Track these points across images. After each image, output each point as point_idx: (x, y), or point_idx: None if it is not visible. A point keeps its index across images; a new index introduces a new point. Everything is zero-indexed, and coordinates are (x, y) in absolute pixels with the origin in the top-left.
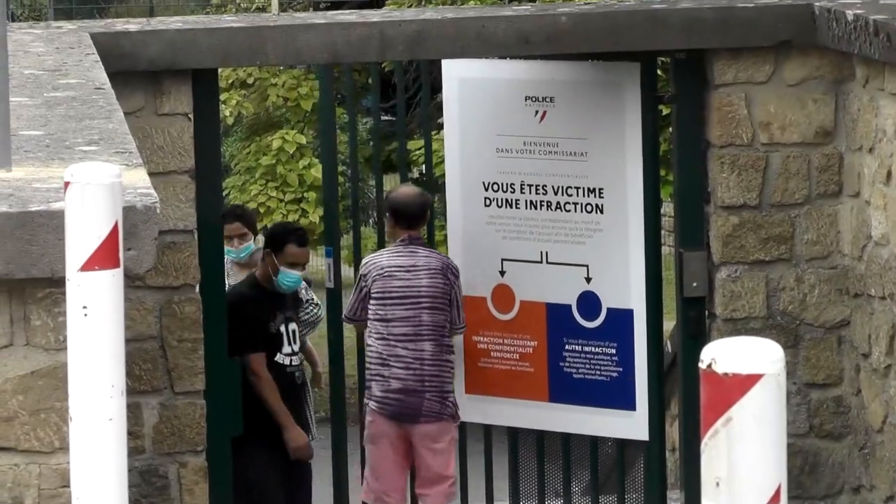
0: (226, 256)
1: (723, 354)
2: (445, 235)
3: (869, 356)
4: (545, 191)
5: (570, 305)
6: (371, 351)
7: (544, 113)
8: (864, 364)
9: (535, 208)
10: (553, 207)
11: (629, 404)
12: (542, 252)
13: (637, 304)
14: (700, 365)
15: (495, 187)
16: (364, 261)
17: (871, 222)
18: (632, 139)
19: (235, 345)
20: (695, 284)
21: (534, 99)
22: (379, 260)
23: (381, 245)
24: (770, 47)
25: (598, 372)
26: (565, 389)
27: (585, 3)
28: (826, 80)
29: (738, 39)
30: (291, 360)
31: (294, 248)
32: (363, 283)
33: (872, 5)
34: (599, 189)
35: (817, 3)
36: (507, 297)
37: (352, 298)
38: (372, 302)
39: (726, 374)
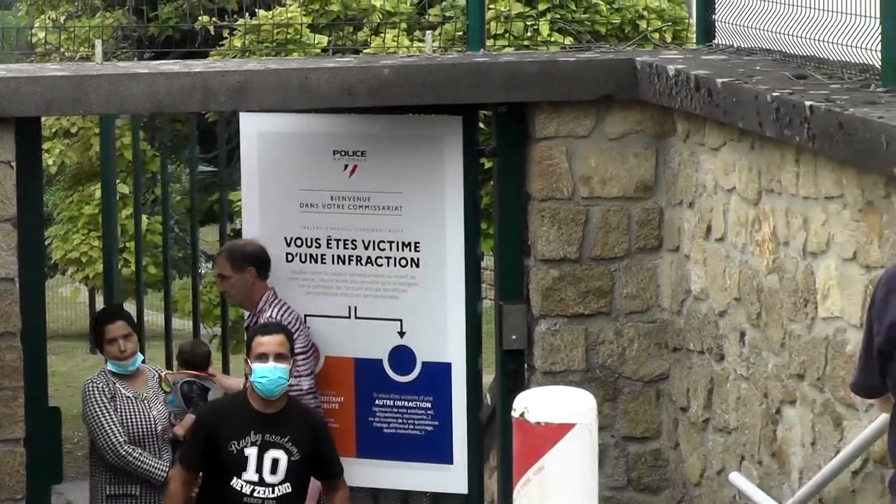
0: (107, 367)
1: (535, 403)
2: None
3: (687, 410)
4: (354, 245)
5: (380, 360)
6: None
7: (355, 167)
8: (682, 418)
9: (343, 263)
10: (363, 262)
11: (446, 458)
12: (350, 307)
13: (455, 357)
14: (513, 414)
15: (298, 242)
16: (292, 316)
17: (690, 277)
18: (452, 192)
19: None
20: (514, 337)
21: (343, 153)
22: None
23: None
24: (592, 101)
25: (411, 426)
26: (374, 444)
27: (409, 56)
28: (647, 135)
29: (560, 93)
30: (255, 491)
31: (260, 338)
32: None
33: (694, 60)
34: (415, 243)
35: (639, 58)
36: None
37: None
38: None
39: (538, 423)
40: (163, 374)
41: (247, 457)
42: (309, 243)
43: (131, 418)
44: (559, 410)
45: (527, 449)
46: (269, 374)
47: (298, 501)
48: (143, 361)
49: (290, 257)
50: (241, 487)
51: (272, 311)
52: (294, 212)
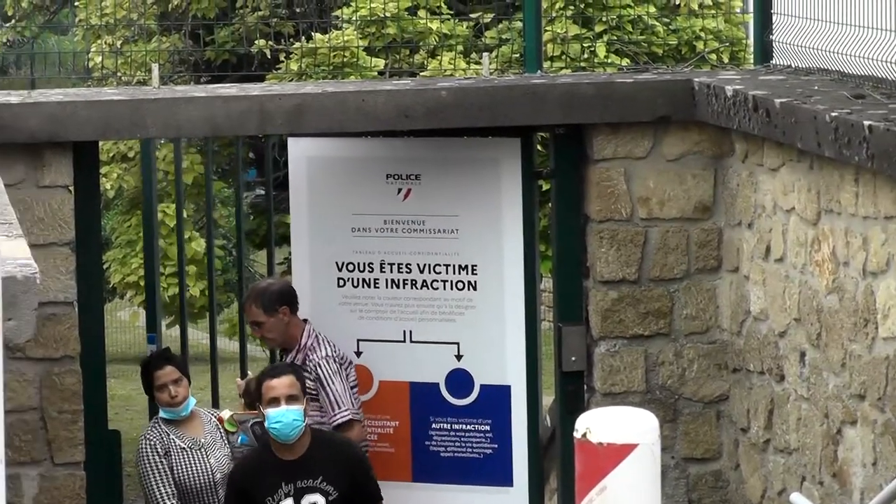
0: (159, 415)
1: (597, 424)
2: None
3: (748, 430)
4: (409, 269)
5: (437, 384)
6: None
7: (409, 190)
8: (742, 438)
9: (398, 287)
10: (419, 286)
11: (506, 480)
12: (405, 331)
13: (515, 379)
14: (575, 434)
15: (350, 267)
16: (333, 351)
17: (749, 297)
18: (510, 214)
19: None
20: (573, 359)
21: (396, 177)
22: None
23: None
24: (649, 122)
25: (470, 449)
26: (432, 469)
27: (466, 78)
28: (705, 156)
29: (618, 114)
30: None
31: (269, 381)
32: (348, 370)
33: (752, 81)
34: (472, 266)
35: (697, 79)
36: (365, 378)
37: (347, 389)
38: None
39: (601, 444)
40: (223, 416)
41: None
42: (361, 268)
43: (187, 470)
44: (622, 431)
45: (589, 469)
46: (282, 417)
47: None
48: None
49: (341, 282)
50: None
51: (324, 345)
52: (346, 236)
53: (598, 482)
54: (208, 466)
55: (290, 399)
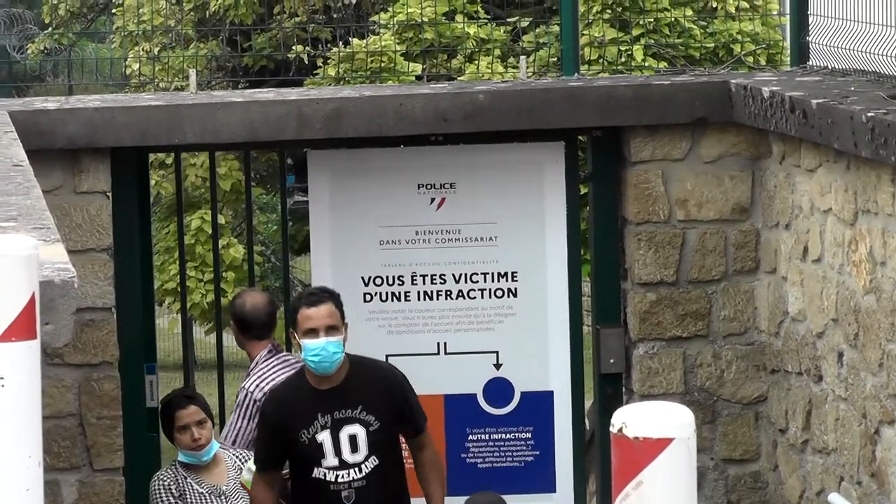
0: (178, 458)
1: (633, 418)
2: None
3: (786, 431)
4: (443, 280)
5: (474, 395)
6: None
7: (443, 200)
8: (781, 440)
9: (431, 298)
10: (454, 296)
11: (548, 487)
12: (438, 343)
13: (557, 384)
14: (611, 429)
15: (378, 281)
16: (250, 386)
17: (787, 298)
18: (553, 219)
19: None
20: (612, 361)
21: (429, 186)
22: (268, 381)
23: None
24: (687, 124)
25: (510, 458)
26: (469, 481)
27: (503, 82)
28: (743, 157)
29: (655, 117)
30: (339, 476)
31: (306, 310)
32: (257, 410)
33: (788, 82)
34: (513, 273)
35: (734, 81)
36: None
37: (245, 429)
38: None
39: (637, 439)
40: (246, 479)
41: (320, 443)
42: (390, 281)
43: None
44: (657, 425)
45: (625, 464)
46: (321, 351)
47: (393, 470)
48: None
49: (367, 297)
50: (325, 476)
51: (256, 378)
52: (372, 250)
53: (633, 477)
54: None
55: (330, 330)
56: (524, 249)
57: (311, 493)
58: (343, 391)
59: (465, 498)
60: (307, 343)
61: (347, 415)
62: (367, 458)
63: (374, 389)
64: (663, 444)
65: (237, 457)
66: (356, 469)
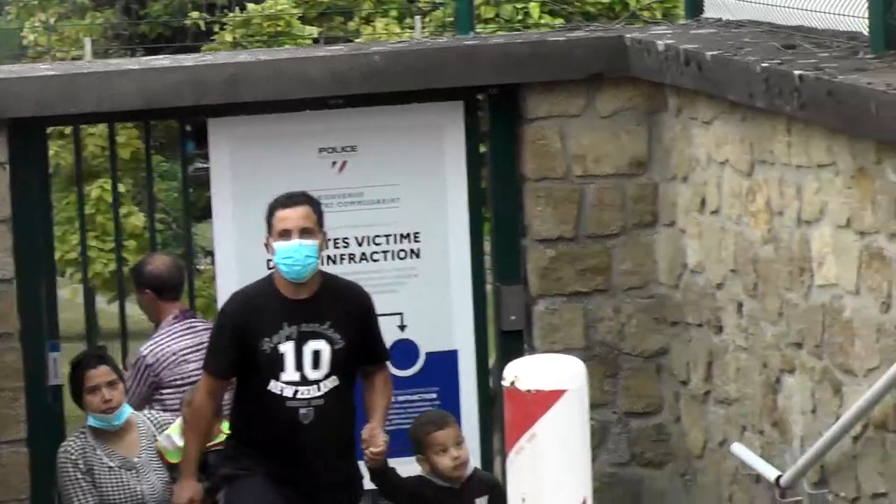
0: (88, 422)
1: (525, 372)
2: (215, 299)
3: (688, 383)
4: (346, 243)
5: None
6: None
7: (344, 163)
8: (683, 391)
9: (333, 262)
10: (357, 259)
11: None
12: None
13: (462, 343)
14: (503, 383)
15: None
16: (144, 350)
17: (686, 251)
18: (453, 179)
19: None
20: (513, 318)
21: (330, 150)
22: (164, 346)
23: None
24: (583, 80)
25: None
26: None
27: (399, 42)
28: (639, 111)
29: (551, 73)
30: (297, 392)
31: (282, 211)
32: (149, 375)
33: (683, 35)
34: (415, 234)
35: (628, 35)
36: None
37: (136, 393)
38: (165, 391)
39: (529, 391)
40: (164, 445)
41: (282, 354)
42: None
43: (112, 495)
44: (549, 377)
45: (518, 417)
46: (293, 253)
47: (350, 394)
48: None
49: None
50: (282, 390)
51: (154, 342)
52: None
53: (527, 430)
54: (139, 492)
55: (305, 232)
56: (426, 210)
57: (262, 408)
58: (313, 304)
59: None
60: (279, 245)
61: (314, 329)
62: (327, 377)
63: (344, 308)
64: (556, 395)
65: (153, 421)
66: (316, 386)
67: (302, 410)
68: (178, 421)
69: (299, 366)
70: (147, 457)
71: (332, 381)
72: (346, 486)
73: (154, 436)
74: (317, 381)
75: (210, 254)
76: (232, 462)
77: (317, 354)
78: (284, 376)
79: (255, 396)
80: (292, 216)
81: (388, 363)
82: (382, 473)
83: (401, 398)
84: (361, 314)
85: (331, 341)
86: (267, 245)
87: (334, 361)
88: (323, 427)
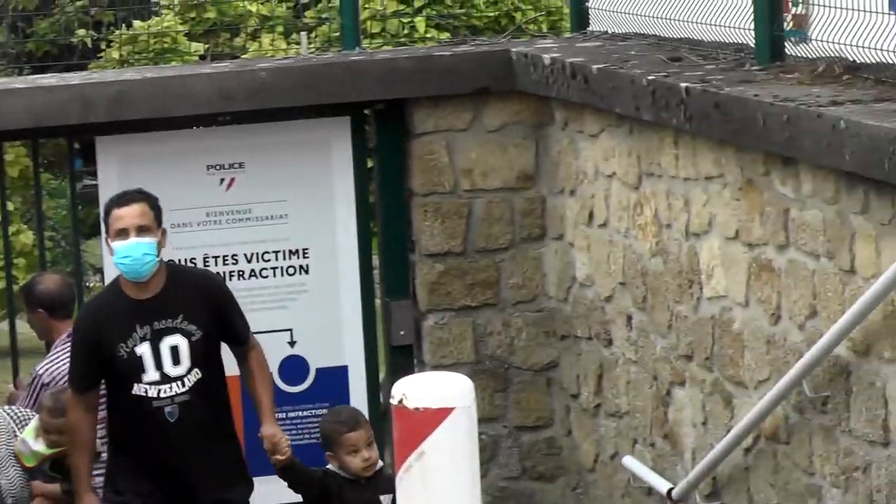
0: None
1: (413, 390)
2: None
3: (578, 396)
4: (235, 260)
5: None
6: None
7: (232, 180)
8: (573, 404)
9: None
10: (246, 276)
11: None
12: None
13: (352, 359)
14: (392, 401)
15: None
16: (40, 369)
17: (575, 264)
18: (342, 194)
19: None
20: (402, 333)
21: (218, 167)
22: (59, 365)
23: None
24: (469, 94)
25: (307, 435)
26: (268, 460)
27: (285, 58)
28: (526, 125)
29: (438, 87)
30: (161, 391)
31: (117, 210)
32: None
33: (569, 48)
34: (304, 250)
35: (514, 49)
36: None
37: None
38: None
39: (417, 409)
40: (21, 450)
41: (140, 356)
42: (183, 263)
43: None
44: (437, 395)
45: (407, 435)
46: (131, 251)
47: (217, 384)
48: None
49: None
50: (146, 392)
51: (49, 361)
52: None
53: (416, 448)
54: None
55: (142, 230)
56: (314, 226)
57: (130, 412)
58: (161, 300)
59: (268, 477)
60: (117, 245)
61: (168, 325)
62: (189, 371)
63: (194, 298)
64: (444, 413)
65: (13, 417)
66: (179, 383)
67: (167, 409)
68: (34, 423)
69: (159, 365)
70: (6, 452)
71: (196, 375)
72: (227, 476)
73: (14, 432)
74: (180, 378)
75: (99, 271)
76: (110, 483)
77: (175, 350)
78: (146, 377)
79: (122, 403)
80: (127, 214)
81: (254, 337)
82: (290, 469)
83: (291, 414)
84: (214, 300)
85: (187, 334)
86: (106, 245)
87: (194, 354)
88: (192, 423)
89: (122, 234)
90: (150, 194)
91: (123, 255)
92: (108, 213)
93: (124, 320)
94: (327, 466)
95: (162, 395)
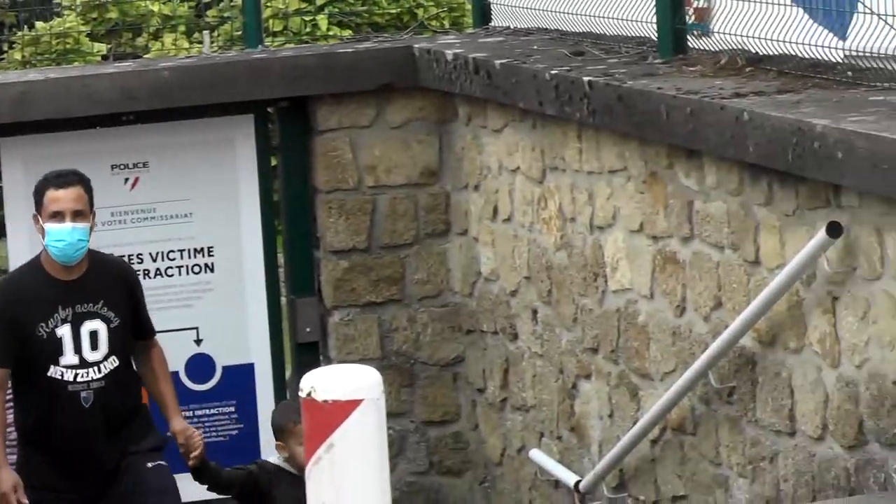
0: None
1: (321, 382)
2: None
3: (484, 391)
4: (140, 259)
5: (176, 372)
6: None
7: (136, 180)
8: (480, 399)
9: None
10: (152, 275)
11: (255, 458)
12: None
13: (258, 356)
14: (300, 394)
15: None
16: None
17: (480, 259)
18: (246, 192)
19: None
20: (308, 330)
21: (122, 167)
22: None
23: None
24: (372, 91)
25: (214, 433)
26: (175, 459)
27: (188, 57)
28: (429, 121)
29: (340, 84)
30: (77, 375)
31: (53, 192)
32: None
33: (471, 44)
34: (209, 248)
35: (417, 45)
36: None
37: None
38: None
39: (325, 402)
40: None
41: (60, 337)
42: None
43: None
44: (345, 387)
45: (316, 428)
46: (66, 236)
47: (130, 372)
48: None
49: None
50: (62, 375)
51: None
52: None
53: (325, 440)
54: None
55: (77, 215)
56: (219, 224)
57: (43, 395)
58: (84, 284)
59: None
60: (51, 227)
61: (89, 309)
62: (106, 358)
63: (114, 286)
64: (352, 405)
65: None
66: (95, 368)
67: (83, 394)
68: None
69: (78, 348)
70: None
71: (113, 362)
72: (136, 436)
73: None
74: (97, 363)
75: (5, 272)
76: (23, 477)
77: (94, 335)
78: (63, 360)
79: (35, 385)
80: (64, 197)
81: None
82: (203, 470)
83: (198, 412)
84: (131, 290)
85: (107, 320)
86: (34, 222)
87: (112, 341)
88: (105, 409)
89: (58, 216)
90: (85, 176)
91: (57, 239)
92: (42, 192)
93: (46, 300)
94: (267, 458)
95: (79, 379)
